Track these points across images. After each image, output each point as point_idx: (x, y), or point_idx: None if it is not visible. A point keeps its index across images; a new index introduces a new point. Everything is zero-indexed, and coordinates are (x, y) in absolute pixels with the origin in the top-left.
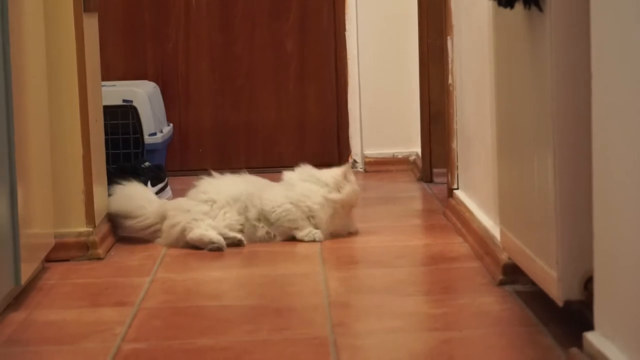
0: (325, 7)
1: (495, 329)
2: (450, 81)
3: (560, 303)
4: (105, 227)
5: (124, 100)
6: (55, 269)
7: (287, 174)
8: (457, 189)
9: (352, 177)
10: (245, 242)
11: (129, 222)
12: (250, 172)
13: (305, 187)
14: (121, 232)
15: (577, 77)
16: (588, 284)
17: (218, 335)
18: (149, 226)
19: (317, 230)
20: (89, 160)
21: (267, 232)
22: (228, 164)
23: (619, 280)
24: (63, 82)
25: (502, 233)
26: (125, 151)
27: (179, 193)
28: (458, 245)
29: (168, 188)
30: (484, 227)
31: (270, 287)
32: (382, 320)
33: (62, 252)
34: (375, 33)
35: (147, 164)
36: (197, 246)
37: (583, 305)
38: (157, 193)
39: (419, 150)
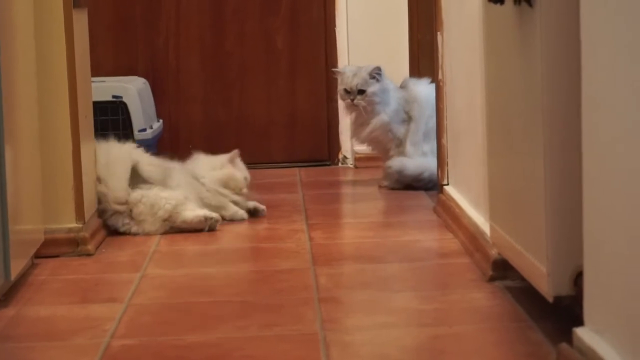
0: (316, 3)
1: (486, 324)
2: (440, 77)
3: (550, 298)
4: (95, 223)
5: (113, 96)
6: (45, 265)
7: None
8: (447, 184)
9: (239, 164)
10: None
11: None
12: None
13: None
14: None
15: (567, 72)
16: (578, 279)
17: (208, 331)
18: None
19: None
20: (78, 156)
21: None
22: None
23: (609, 275)
24: (53, 78)
25: (492, 229)
26: None
27: None
28: (448, 241)
29: None
30: (474, 223)
31: (260, 283)
32: (372, 316)
33: (52, 248)
34: (366, 28)
35: None
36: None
37: (573, 300)
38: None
39: None
